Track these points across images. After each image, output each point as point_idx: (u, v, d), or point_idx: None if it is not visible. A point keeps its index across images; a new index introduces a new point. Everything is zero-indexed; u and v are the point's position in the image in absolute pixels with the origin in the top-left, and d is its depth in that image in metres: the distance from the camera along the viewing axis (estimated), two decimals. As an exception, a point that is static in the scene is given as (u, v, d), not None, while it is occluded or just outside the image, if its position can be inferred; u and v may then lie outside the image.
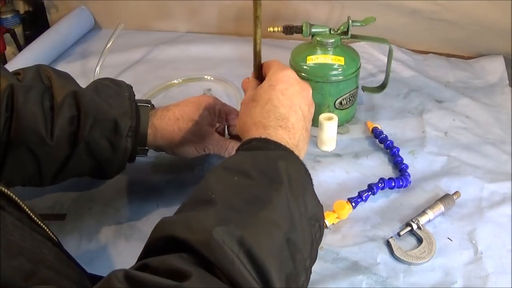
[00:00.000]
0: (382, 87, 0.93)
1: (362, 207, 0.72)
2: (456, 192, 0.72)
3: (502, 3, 0.99)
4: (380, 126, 0.86)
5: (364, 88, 0.94)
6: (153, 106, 0.73)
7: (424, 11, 1.07)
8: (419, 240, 0.66)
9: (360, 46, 1.08)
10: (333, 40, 0.83)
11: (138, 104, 0.70)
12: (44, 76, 0.65)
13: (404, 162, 0.78)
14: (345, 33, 0.84)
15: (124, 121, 0.66)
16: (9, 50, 1.22)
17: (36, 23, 1.28)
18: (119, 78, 0.74)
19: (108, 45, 1.06)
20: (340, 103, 0.86)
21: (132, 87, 0.71)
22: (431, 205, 0.70)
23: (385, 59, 0.90)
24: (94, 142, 0.65)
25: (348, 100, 0.87)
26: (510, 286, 0.61)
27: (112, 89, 0.69)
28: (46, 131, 0.62)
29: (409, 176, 0.75)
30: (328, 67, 0.84)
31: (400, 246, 0.65)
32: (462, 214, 0.70)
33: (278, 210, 0.44)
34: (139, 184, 0.78)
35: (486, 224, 0.69)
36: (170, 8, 1.23)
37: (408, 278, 0.62)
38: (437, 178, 0.76)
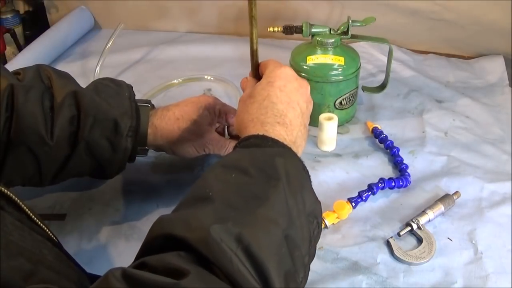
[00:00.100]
0: (382, 87, 0.93)
1: (362, 207, 0.72)
2: (456, 192, 0.72)
3: (502, 3, 0.99)
4: (380, 126, 0.86)
5: (364, 88, 0.94)
6: (153, 106, 0.73)
7: (424, 11, 1.06)
8: (419, 240, 0.66)
9: (360, 46, 1.08)
10: (333, 40, 0.83)
11: (138, 104, 0.70)
12: (44, 76, 0.65)
13: (404, 162, 0.78)
14: (345, 33, 0.84)
15: (124, 121, 0.66)
16: (9, 50, 1.22)
17: (36, 23, 1.28)
18: (119, 78, 0.74)
19: (108, 45, 1.06)
20: (340, 103, 0.86)
21: (132, 87, 0.71)
22: (431, 205, 0.70)
23: (385, 59, 0.90)
24: (94, 142, 0.65)
25: (348, 100, 0.87)
26: (510, 286, 0.61)
27: (112, 89, 0.69)
28: (46, 131, 0.62)
29: (409, 176, 0.75)
30: (328, 67, 0.84)
31: (400, 246, 0.65)
32: (462, 214, 0.70)
33: (276, 207, 0.44)
34: (139, 184, 0.78)
35: (486, 224, 0.68)
36: (170, 8, 1.23)
37: (408, 278, 0.62)
38: (437, 178, 0.76)
